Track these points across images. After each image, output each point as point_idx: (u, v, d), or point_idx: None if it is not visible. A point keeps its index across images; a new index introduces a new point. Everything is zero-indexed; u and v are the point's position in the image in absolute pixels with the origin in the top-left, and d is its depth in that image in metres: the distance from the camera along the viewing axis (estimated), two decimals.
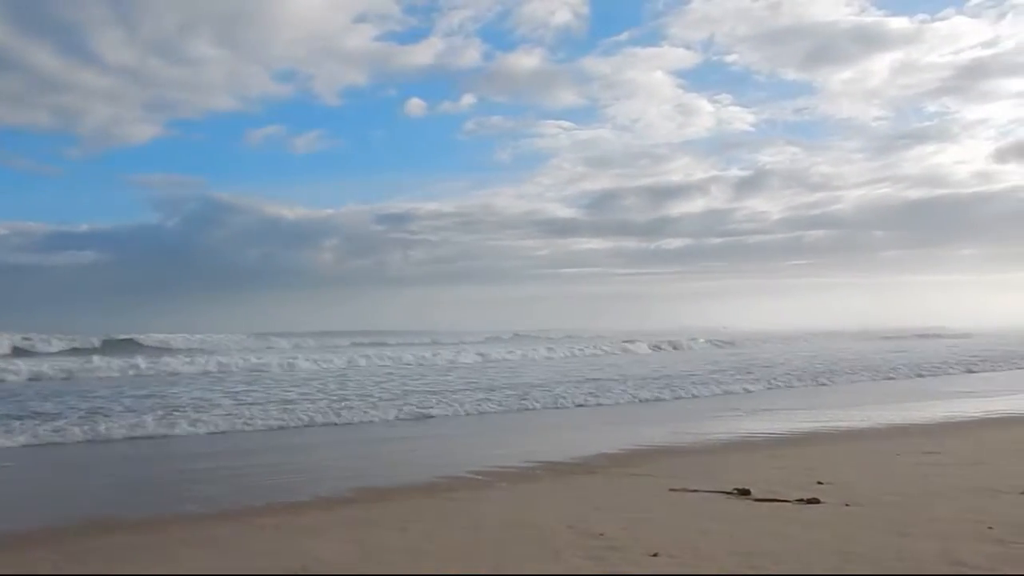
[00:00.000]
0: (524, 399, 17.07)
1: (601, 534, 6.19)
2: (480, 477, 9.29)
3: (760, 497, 7.49)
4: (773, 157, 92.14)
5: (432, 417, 14.71)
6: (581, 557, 5.54)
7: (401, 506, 7.79)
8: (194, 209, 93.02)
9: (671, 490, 8.04)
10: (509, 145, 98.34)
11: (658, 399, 17.92)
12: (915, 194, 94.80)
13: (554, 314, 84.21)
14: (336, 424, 13.81)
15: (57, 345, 37.13)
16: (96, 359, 25.50)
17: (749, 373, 23.85)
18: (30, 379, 22.14)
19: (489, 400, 16.87)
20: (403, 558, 5.67)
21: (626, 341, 43.35)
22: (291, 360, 28.07)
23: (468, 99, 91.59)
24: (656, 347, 42.60)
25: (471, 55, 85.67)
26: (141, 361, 25.66)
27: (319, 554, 5.81)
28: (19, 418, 13.51)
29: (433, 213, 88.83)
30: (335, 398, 17.06)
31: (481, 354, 32.83)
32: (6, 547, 6.41)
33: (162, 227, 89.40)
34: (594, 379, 22.15)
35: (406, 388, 19.68)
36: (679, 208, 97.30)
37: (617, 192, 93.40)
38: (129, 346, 38.23)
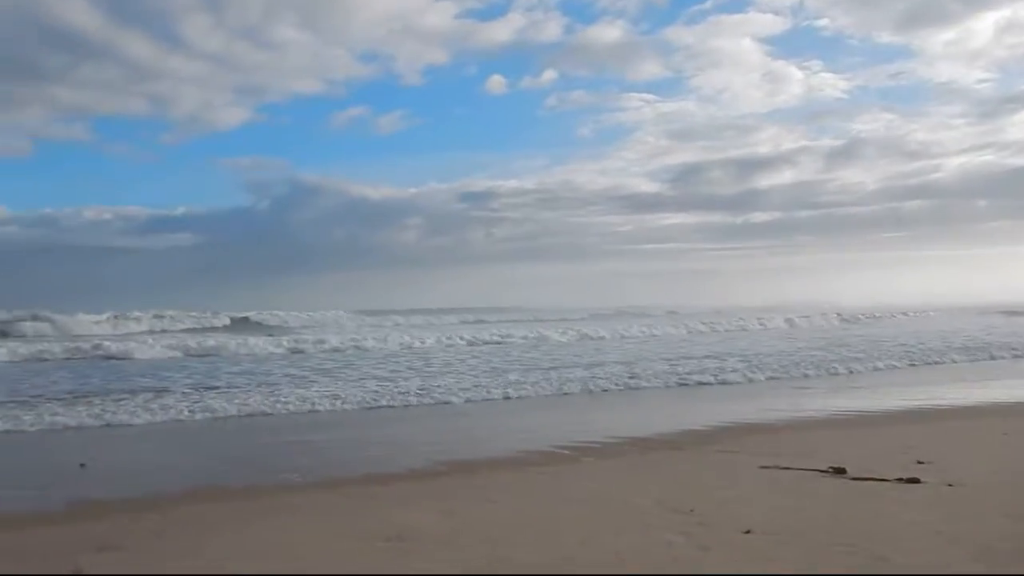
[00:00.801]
0: (631, 377, 16.99)
1: (691, 510, 6.13)
2: (566, 452, 9.31)
3: (857, 476, 7.29)
4: (867, 125, 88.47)
5: (512, 397, 14.81)
6: (671, 532, 5.50)
7: (488, 479, 7.89)
8: (283, 191, 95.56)
9: (762, 467, 7.90)
10: (590, 120, 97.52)
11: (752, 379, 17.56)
12: (1021, 161, 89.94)
13: (638, 291, 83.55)
14: (441, 402, 14.00)
15: (188, 323, 39.35)
16: (251, 339, 26.06)
17: (855, 349, 23.23)
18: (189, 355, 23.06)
19: (597, 378, 16.84)
20: (492, 530, 5.73)
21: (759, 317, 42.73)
22: (419, 339, 27.73)
23: (549, 74, 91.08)
24: (789, 322, 42.08)
25: (552, 29, 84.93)
26: (284, 340, 26.25)
27: (411, 523, 5.92)
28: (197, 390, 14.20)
29: (514, 190, 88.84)
30: (430, 374, 17.38)
31: (593, 332, 32.40)
32: (117, 512, 6.75)
33: (253, 209, 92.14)
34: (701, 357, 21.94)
35: (525, 364, 19.98)
36: (767, 180, 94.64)
37: (702, 165, 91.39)
38: (249, 325, 40.28)
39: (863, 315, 48.61)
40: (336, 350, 24.49)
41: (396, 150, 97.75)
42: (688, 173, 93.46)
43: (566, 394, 14.88)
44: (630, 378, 16.59)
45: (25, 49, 71.63)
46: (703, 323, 38.88)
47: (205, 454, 9.85)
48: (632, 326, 34.98)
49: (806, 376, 17.71)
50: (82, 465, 8.76)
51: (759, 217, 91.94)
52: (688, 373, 17.60)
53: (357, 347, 25.14)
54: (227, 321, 40.75)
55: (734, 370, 18.05)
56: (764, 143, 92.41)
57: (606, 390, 15.41)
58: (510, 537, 5.53)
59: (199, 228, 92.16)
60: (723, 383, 16.47)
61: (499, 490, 7.27)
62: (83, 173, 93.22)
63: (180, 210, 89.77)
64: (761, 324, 40.78)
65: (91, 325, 35.99)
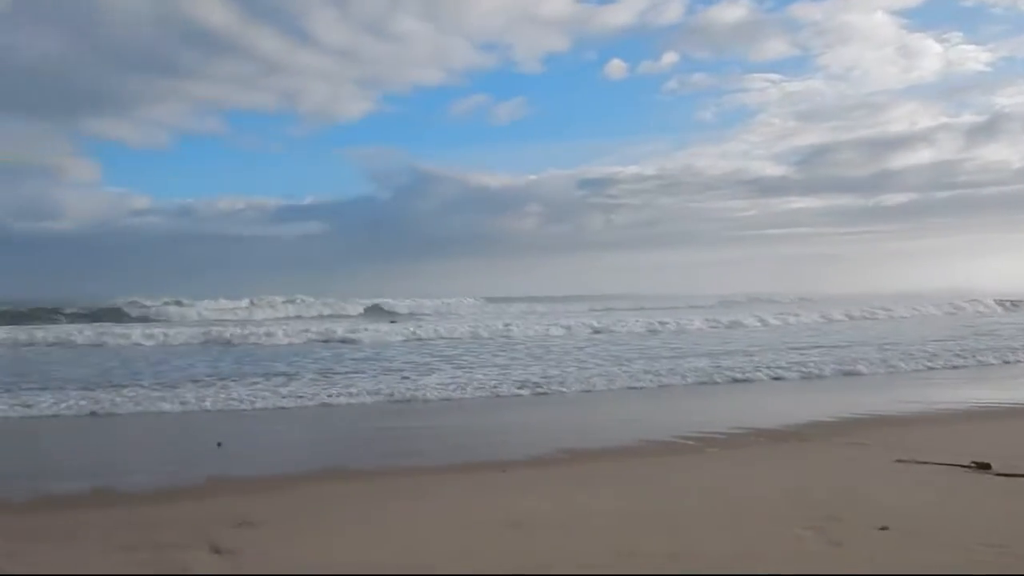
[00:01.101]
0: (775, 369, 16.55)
1: (821, 504, 5.88)
2: (689, 442, 9.13)
3: (1003, 472, 6.83)
4: (1013, 99, 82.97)
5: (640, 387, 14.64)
6: (801, 527, 5.28)
7: (610, 468, 7.82)
8: (404, 180, 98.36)
9: (897, 461, 7.51)
10: (712, 103, 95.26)
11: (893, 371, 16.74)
12: None
13: (764, 277, 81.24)
14: (561, 390, 14.02)
15: (322, 309, 41.23)
16: (383, 326, 27.04)
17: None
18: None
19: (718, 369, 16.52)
20: (613, 519, 5.67)
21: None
22: (544, 326, 27.59)
23: (669, 57, 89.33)
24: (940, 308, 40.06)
25: (673, 11, 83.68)
26: (412, 327, 26.79)
27: (532, 510, 5.93)
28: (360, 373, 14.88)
29: (634, 176, 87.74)
30: (551, 362, 17.43)
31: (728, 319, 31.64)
32: (252, 489, 7.06)
33: (376, 198, 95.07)
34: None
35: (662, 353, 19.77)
36: (901, 160, 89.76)
37: (831, 146, 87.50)
38: (379, 312, 41.98)
39: (1010, 301, 45.38)
40: (472, 337, 24.68)
41: (515, 138, 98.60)
42: (816, 155, 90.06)
43: (689, 384, 14.54)
44: (756, 369, 16.06)
45: (166, 47, 76.18)
46: (837, 311, 36.71)
47: (333, 436, 10.20)
48: (763, 314, 33.89)
49: (951, 367, 16.70)
50: (219, 444, 9.22)
51: (892, 199, 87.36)
52: (817, 362, 16.93)
53: (485, 335, 25.34)
54: (360, 309, 42.35)
55: (866, 359, 17.25)
56: (898, 121, 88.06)
57: (742, 379, 14.91)
58: (632, 527, 5.45)
59: (325, 217, 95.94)
60: (854, 373, 15.74)
61: (621, 480, 7.20)
62: (218, 164, 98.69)
63: (308, 199, 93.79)
64: (915, 310, 38.90)
65: (229, 311, 37.95)
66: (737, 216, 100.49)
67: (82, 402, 11.82)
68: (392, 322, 30.69)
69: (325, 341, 23.30)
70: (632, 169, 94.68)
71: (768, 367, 16.15)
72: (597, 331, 27.37)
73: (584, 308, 46.93)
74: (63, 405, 11.56)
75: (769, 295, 63.23)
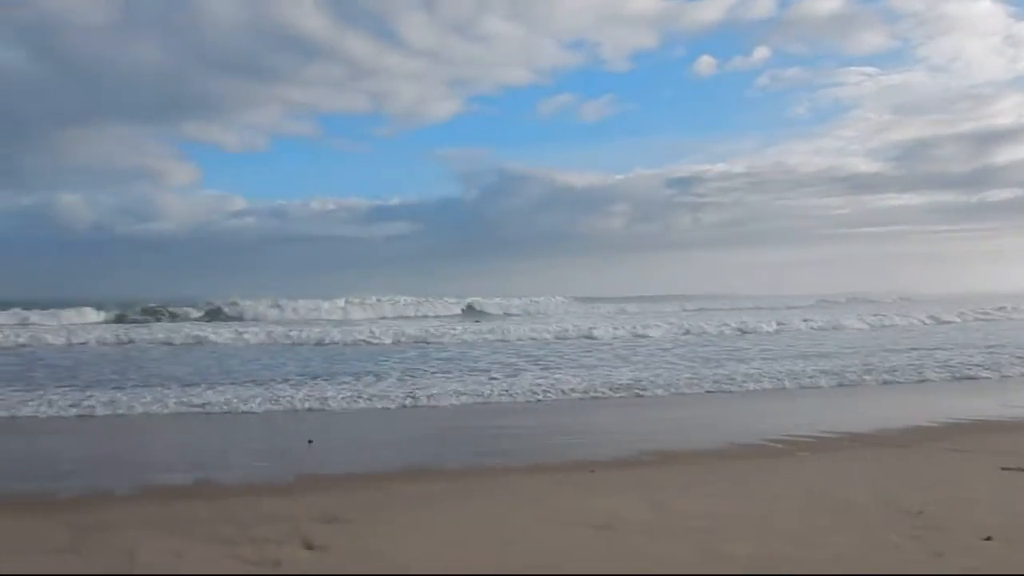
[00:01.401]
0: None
1: (920, 512, 5.66)
2: (779, 445, 8.92)
3: None
4: None
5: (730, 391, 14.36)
6: (898, 534, 5.10)
7: (697, 471, 7.71)
8: (490, 180, 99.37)
9: (1003, 469, 7.17)
10: (805, 98, 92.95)
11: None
12: None
13: (860, 276, 78.72)
14: (645, 392, 13.90)
15: (419, 310, 42.26)
16: (471, 326, 27.45)
17: None
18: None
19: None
20: (701, 522, 5.58)
21: None
22: (634, 327, 27.16)
23: (761, 52, 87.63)
24: None
25: (764, 4, 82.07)
26: (503, 325, 27.04)
27: (619, 512, 5.89)
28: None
29: (723, 174, 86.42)
30: (638, 363, 17.33)
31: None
32: (340, 487, 7.23)
33: (463, 198, 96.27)
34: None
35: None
36: (1008, 154, 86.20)
37: (931, 141, 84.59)
38: (472, 311, 42.99)
39: None
40: (557, 338, 24.54)
41: (602, 137, 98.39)
42: (915, 150, 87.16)
43: (784, 388, 14.12)
44: (858, 372, 15.53)
45: (262, 53, 78.93)
46: (946, 311, 34.77)
47: (420, 435, 10.35)
48: (865, 314, 32.76)
49: None
50: (310, 442, 9.47)
51: (997, 195, 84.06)
52: (917, 365, 16.32)
53: (573, 335, 25.20)
54: (456, 310, 43.21)
55: (974, 363, 16.50)
56: (1005, 114, 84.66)
57: (852, 384, 14.46)
58: (721, 530, 5.35)
59: (413, 217, 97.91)
60: (964, 377, 15.05)
61: (708, 482, 7.08)
62: (309, 166, 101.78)
63: (395, 200, 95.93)
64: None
65: (323, 311, 38.92)
66: (831, 214, 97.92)
67: (181, 398, 12.31)
68: (476, 322, 30.97)
69: (418, 341, 23.52)
70: (720, 167, 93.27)
71: (873, 370, 15.62)
72: (687, 331, 26.81)
73: (675, 308, 46.47)
74: (160, 403, 12.00)
75: (866, 295, 61.25)
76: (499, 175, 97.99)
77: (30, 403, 11.89)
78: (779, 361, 17.60)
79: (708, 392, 13.58)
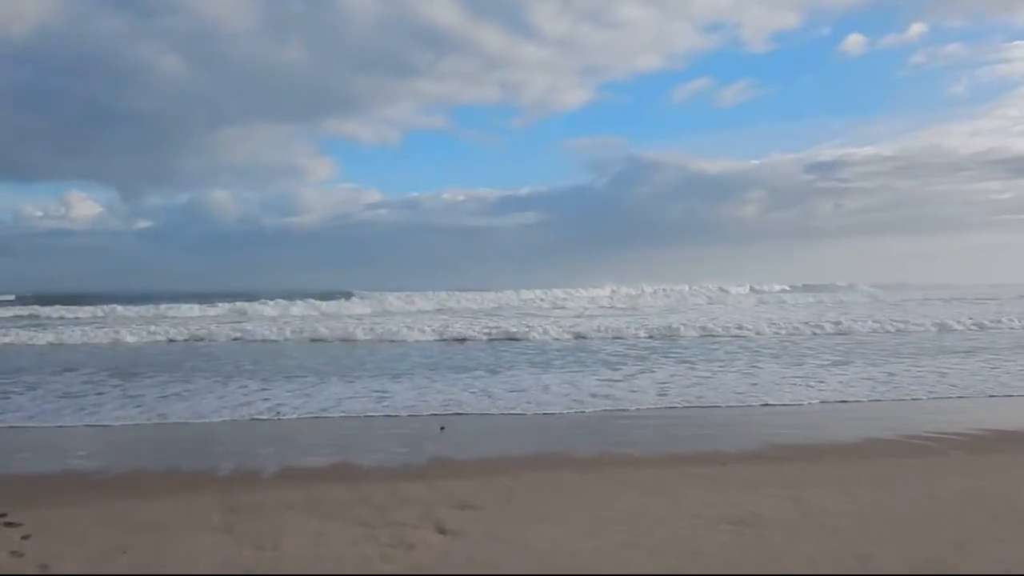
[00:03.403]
0: None
1: None
2: (928, 443, 8.42)
3: None
4: None
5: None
6: None
7: (840, 467, 7.33)
8: (620, 168, 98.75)
9: None
10: (964, 76, 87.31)
11: None
12: None
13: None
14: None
15: (576, 301, 43.45)
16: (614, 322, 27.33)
17: None
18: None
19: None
20: (847, 522, 5.30)
21: None
22: (776, 321, 26.40)
23: (917, 28, 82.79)
24: None
25: None
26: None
27: (756, 508, 5.67)
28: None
29: (868, 158, 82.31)
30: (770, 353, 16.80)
31: None
32: (472, 473, 7.29)
33: (592, 187, 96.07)
34: None
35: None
36: None
37: None
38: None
39: None
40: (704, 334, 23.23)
41: (738, 122, 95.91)
42: None
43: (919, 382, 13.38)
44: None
45: (400, 48, 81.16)
46: None
47: (549, 424, 10.30)
48: None
49: None
50: (442, 428, 9.62)
51: None
52: None
53: (719, 331, 23.86)
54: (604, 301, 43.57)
55: None
56: None
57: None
58: (868, 532, 5.07)
59: (542, 207, 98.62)
60: None
61: (852, 480, 6.73)
62: (440, 158, 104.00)
63: (524, 190, 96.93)
64: None
65: (474, 301, 40.36)
66: (991, 199, 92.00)
67: (319, 387, 12.76)
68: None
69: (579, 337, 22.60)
70: (867, 150, 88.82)
71: None
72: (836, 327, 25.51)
73: (838, 298, 45.43)
74: (302, 394, 12.45)
75: None
76: (630, 163, 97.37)
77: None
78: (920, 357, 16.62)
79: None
